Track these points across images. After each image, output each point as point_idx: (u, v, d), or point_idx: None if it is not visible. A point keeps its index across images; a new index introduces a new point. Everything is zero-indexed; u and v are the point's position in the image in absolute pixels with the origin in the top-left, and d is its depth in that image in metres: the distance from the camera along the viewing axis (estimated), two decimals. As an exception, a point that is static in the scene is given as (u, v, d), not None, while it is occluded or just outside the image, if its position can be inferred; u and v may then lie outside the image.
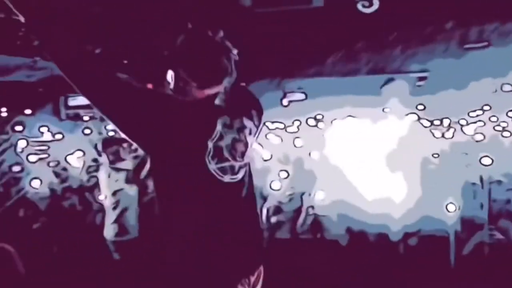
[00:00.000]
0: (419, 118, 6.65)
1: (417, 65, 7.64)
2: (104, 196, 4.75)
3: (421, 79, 7.69)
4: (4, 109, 7.88)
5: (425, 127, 6.46)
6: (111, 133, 6.59)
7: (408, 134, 6.27)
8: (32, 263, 3.80)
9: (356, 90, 7.07)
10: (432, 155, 5.85)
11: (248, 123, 1.98)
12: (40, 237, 4.87)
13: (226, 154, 1.86)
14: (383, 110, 6.93)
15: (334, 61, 7.69)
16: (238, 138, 1.91)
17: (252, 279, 1.91)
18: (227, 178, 1.87)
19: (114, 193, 4.65)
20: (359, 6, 6.20)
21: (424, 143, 6.09)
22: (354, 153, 6.04)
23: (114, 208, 4.66)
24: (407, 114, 6.69)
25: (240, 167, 1.93)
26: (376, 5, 6.14)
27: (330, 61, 7.69)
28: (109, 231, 4.68)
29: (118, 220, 4.63)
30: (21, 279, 3.66)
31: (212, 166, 1.82)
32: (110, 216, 4.69)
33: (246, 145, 1.95)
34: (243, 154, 1.94)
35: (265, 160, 5.87)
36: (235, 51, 1.92)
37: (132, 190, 4.61)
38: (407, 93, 7.35)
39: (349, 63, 7.66)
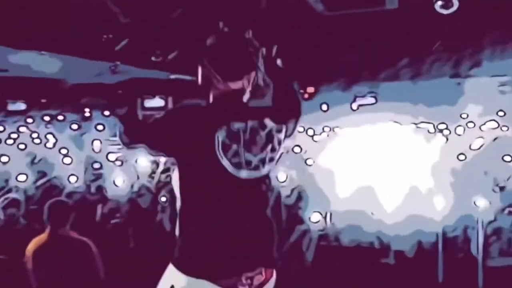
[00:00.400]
0: (498, 125, 6.28)
1: (499, 68, 7.21)
2: (176, 196, 4.92)
3: (503, 83, 7.26)
4: (87, 109, 8.47)
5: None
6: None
7: (489, 141, 5.94)
8: (109, 256, 4.05)
9: (430, 95, 6.81)
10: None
11: (270, 122, 1.95)
12: (118, 233, 5.13)
13: (237, 147, 1.87)
14: (460, 116, 6.62)
15: (407, 65, 7.45)
16: (256, 132, 1.90)
17: (255, 281, 1.88)
18: (243, 174, 1.87)
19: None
20: (437, 7, 5.94)
21: (508, 152, 5.72)
22: (428, 160, 5.81)
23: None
24: (488, 121, 6.35)
25: (262, 162, 1.91)
26: (455, 5, 5.84)
27: (403, 65, 7.45)
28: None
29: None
30: (100, 271, 3.90)
31: (225, 161, 1.85)
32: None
33: (267, 140, 1.92)
34: (262, 149, 1.91)
35: (327, 163, 5.77)
36: (262, 50, 1.96)
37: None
38: (487, 98, 6.96)
39: (424, 67, 7.38)
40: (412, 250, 5.08)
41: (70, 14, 5.57)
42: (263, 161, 1.92)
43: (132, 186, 5.84)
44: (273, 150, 1.95)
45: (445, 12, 5.85)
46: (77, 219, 4.02)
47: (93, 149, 6.83)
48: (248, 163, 1.89)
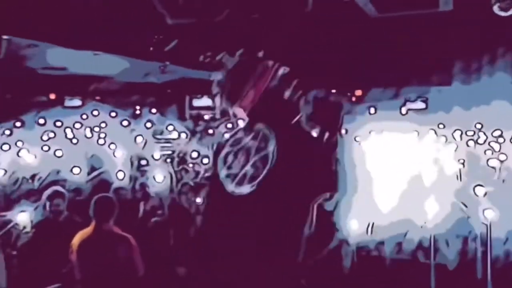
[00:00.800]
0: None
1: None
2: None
3: None
4: (138, 107, 8.74)
5: None
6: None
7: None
8: (149, 254, 4.16)
9: (484, 100, 6.49)
10: None
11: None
12: (158, 230, 5.25)
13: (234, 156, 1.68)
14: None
15: (461, 69, 7.13)
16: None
17: None
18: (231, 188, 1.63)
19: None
20: (496, 9, 5.64)
21: None
22: (478, 170, 5.56)
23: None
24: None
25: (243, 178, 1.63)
26: (515, 7, 5.53)
27: (457, 69, 7.15)
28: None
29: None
30: (139, 267, 4.02)
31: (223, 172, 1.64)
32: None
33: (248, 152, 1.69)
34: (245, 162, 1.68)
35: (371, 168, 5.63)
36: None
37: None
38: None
39: (478, 72, 7.04)
40: (456, 262, 4.89)
41: (123, 16, 5.81)
42: (243, 176, 1.64)
43: (175, 185, 5.95)
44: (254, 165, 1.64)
45: (503, 14, 5.55)
46: (121, 215, 4.15)
47: (139, 146, 7.04)
48: (235, 175, 1.65)
